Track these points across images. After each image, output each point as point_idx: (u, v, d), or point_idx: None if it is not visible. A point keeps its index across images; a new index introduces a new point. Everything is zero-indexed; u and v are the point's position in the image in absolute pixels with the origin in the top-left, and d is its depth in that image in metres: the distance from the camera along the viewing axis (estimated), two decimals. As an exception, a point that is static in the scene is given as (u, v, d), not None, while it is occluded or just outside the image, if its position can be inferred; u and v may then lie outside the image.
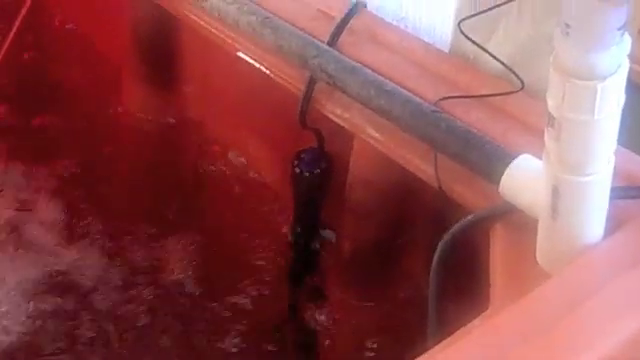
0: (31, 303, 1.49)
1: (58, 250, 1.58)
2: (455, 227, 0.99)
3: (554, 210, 0.83)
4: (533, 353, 0.76)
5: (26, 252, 1.58)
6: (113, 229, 1.59)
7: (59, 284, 1.52)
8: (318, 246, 1.41)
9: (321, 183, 1.35)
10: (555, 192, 0.81)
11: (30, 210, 1.65)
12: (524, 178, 0.91)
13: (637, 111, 1.27)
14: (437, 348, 0.80)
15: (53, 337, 1.44)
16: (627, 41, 0.71)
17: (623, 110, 0.85)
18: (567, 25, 0.70)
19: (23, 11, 1.80)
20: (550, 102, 0.76)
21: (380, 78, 1.12)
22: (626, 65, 0.73)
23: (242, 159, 1.56)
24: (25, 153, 1.74)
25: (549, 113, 0.77)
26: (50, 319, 1.47)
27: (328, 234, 1.38)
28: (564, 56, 0.72)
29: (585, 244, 0.85)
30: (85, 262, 1.55)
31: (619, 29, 0.69)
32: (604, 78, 0.72)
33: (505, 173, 0.92)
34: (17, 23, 1.79)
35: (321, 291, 1.41)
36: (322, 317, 1.39)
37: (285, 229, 1.43)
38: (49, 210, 1.64)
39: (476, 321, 0.83)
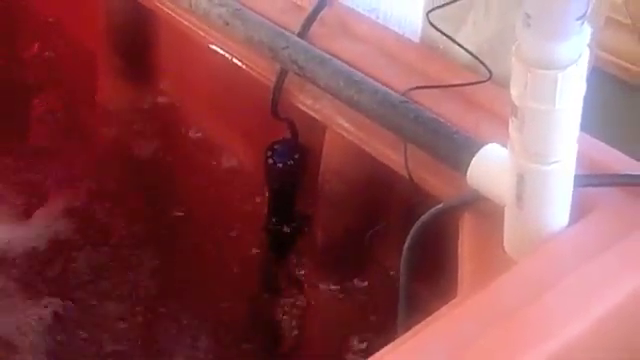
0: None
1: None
2: (425, 216, 1.00)
3: (519, 198, 0.84)
4: (496, 340, 0.77)
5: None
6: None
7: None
8: (293, 235, 1.42)
9: (295, 174, 1.36)
10: (520, 181, 0.82)
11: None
12: (490, 167, 0.92)
13: (610, 100, 1.30)
14: (403, 337, 0.80)
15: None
16: (587, 31, 0.72)
17: (594, 97, 0.86)
18: (528, 15, 0.71)
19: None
20: (513, 92, 0.77)
21: (349, 69, 1.12)
22: (586, 55, 0.73)
23: (216, 149, 1.56)
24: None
25: (512, 102, 0.77)
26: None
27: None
28: (525, 46, 0.73)
29: (550, 232, 0.86)
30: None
31: (579, 19, 0.70)
32: (564, 67, 0.72)
33: (472, 162, 0.93)
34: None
35: (295, 279, 1.42)
36: (296, 304, 1.39)
37: (260, 219, 1.43)
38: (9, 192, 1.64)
39: (443, 309, 0.84)
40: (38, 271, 1.52)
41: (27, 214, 1.62)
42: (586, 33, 0.72)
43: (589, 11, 0.72)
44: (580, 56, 0.73)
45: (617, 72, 1.31)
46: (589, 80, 1.04)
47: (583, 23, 0.71)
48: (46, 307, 1.45)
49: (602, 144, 0.98)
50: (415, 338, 0.80)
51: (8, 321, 1.43)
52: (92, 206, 1.61)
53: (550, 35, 0.71)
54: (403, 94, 1.08)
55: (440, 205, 0.99)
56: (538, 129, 0.77)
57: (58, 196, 1.63)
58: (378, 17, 1.27)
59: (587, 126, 0.88)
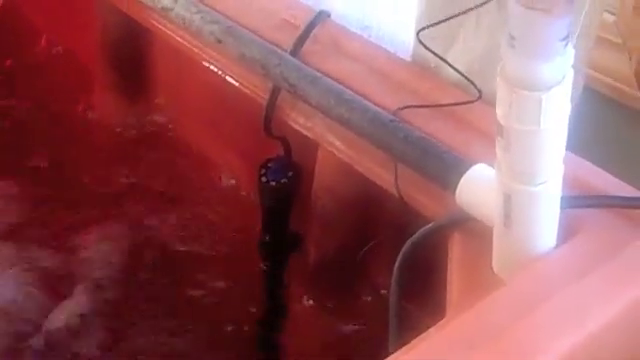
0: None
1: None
2: (415, 236, 1.00)
3: (507, 218, 0.84)
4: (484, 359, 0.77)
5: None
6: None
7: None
8: (286, 253, 1.42)
9: (288, 192, 1.36)
10: (507, 201, 0.82)
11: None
12: (479, 187, 0.92)
13: (601, 119, 1.30)
14: (391, 357, 0.80)
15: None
16: (571, 52, 0.72)
17: (584, 116, 0.86)
18: (512, 36, 0.71)
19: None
20: (499, 111, 0.77)
21: (340, 87, 1.12)
22: (571, 75, 0.73)
23: (208, 165, 1.56)
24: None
25: (498, 123, 0.77)
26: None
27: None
28: (510, 67, 0.73)
29: (538, 252, 0.86)
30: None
31: (562, 40, 0.70)
32: (549, 88, 0.72)
33: (460, 182, 0.93)
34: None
35: (288, 296, 1.41)
36: (288, 322, 1.39)
37: (253, 236, 1.43)
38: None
39: (432, 329, 0.84)
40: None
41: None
42: (570, 54, 0.72)
43: (574, 32, 0.72)
44: (564, 77, 0.73)
45: (607, 91, 1.31)
46: (579, 99, 1.05)
47: (567, 44, 0.71)
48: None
49: (589, 164, 0.98)
50: (404, 358, 0.80)
51: None
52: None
53: (534, 56, 0.71)
54: (393, 113, 1.08)
55: (430, 225, 0.99)
56: (524, 149, 0.77)
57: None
58: (370, 35, 1.27)
59: (576, 146, 0.88)
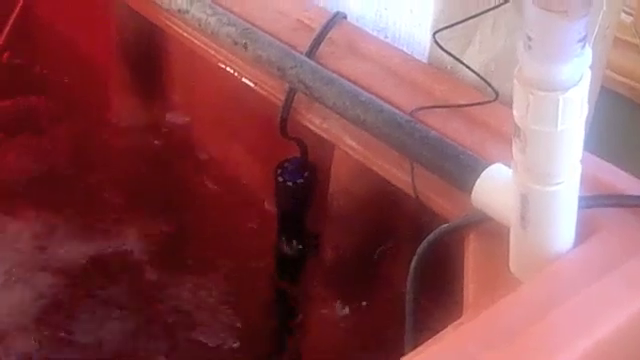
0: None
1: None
2: (431, 236, 1.00)
3: (524, 219, 0.84)
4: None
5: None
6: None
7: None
8: (302, 253, 1.42)
9: (304, 192, 1.37)
10: (524, 201, 0.82)
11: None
12: (495, 187, 0.92)
13: (619, 120, 1.30)
14: (406, 357, 0.80)
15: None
16: (588, 53, 0.72)
17: (602, 117, 0.86)
18: (529, 38, 0.71)
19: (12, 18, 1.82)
20: (516, 113, 0.77)
21: (356, 88, 1.13)
22: (588, 76, 0.73)
23: (225, 167, 1.57)
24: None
25: (515, 124, 0.77)
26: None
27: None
28: (527, 68, 0.73)
29: (555, 253, 0.86)
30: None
31: (580, 41, 0.70)
32: (566, 89, 0.72)
33: (477, 182, 0.93)
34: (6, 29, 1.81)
35: (304, 297, 1.42)
36: (305, 322, 1.39)
37: (269, 237, 1.44)
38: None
39: (448, 329, 0.84)
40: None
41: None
42: (588, 55, 0.72)
43: (591, 33, 0.72)
44: (582, 78, 0.73)
45: (625, 92, 1.31)
46: (597, 100, 1.05)
47: (584, 45, 0.71)
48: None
49: (607, 164, 0.98)
50: (419, 358, 0.80)
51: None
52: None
53: (551, 57, 0.71)
54: (409, 114, 1.08)
55: (446, 225, 0.99)
56: (541, 150, 0.77)
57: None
58: (387, 37, 1.27)
59: (594, 146, 0.88)
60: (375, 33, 1.28)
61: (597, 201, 0.90)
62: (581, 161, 0.80)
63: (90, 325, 1.47)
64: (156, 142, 1.66)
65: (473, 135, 1.05)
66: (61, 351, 1.43)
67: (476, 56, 1.11)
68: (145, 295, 1.51)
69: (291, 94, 1.23)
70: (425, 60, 1.21)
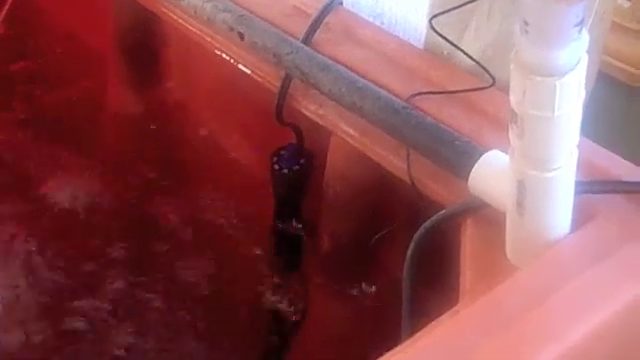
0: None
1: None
2: (427, 222, 1.00)
3: (520, 205, 0.84)
4: (498, 346, 0.77)
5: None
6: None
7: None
8: (298, 240, 1.42)
9: (300, 179, 1.36)
10: (521, 187, 0.82)
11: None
12: (492, 174, 0.92)
13: (616, 104, 1.30)
14: (403, 345, 0.80)
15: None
16: (585, 37, 0.72)
17: (599, 101, 0.86)
18: (525, 22, 0.71)
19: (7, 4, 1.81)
20: (512, 98, 0.76)
21: (352, 75, 1.12)
22: (585, 61, 0.73)
23: (221, 153, 1.56)
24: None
25: (512, 109, 0.77)
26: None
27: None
28: (523, 53, 0.72)
29: (552, 239, 0.86)
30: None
31: (576, 25, 0.70)
32: (563, 74, 0.72)
33: (473, 169, 0.93)
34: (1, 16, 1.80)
35: (300, 283, 1.42)
36: (300, 308, 1.40)
37: (266, 224, 1.44)
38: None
39: (445, 315, 0.84)
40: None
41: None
42: (585, 40, 0.72)
43: (588, 17, 0.71)
44: (579, 63, 0.72)
45: (622, 77, 1.31)
46: (594, 85, 1.04)
47: (581, 30, 0.71)
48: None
49: (604, 150, 0.98)
50: (416, 345, 0.79)
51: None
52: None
53: (548, 42, 0.70)
54: (406, 100, 1.08)
55: (442, 211, 0.99)
56: (538, 136, 0.77)
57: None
58: (383, 23, 1.27)
59: (591, 131, 0.88)
60: (371, 19, 1.27)
61: (593, 187, 0.90)
62: (578, 146, 0.80)
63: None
64: (152, 127, 1.66)
65: (470, 121, 1.05)
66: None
67: (473, 42, 1.10)
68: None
69: (287, 80, 1.23)
70: (421, 46, 1.20)
